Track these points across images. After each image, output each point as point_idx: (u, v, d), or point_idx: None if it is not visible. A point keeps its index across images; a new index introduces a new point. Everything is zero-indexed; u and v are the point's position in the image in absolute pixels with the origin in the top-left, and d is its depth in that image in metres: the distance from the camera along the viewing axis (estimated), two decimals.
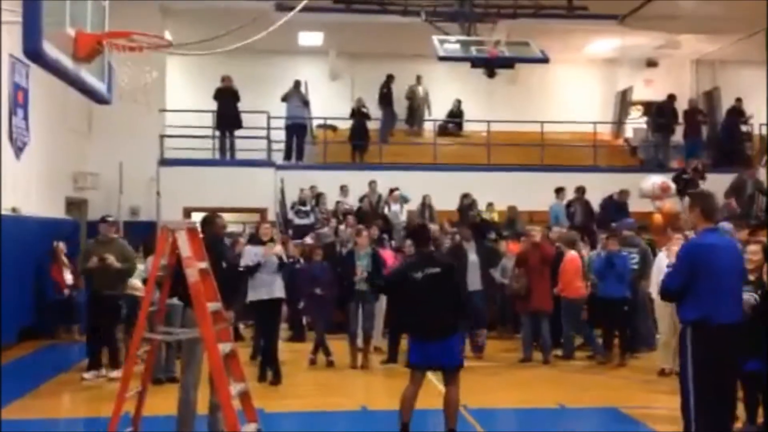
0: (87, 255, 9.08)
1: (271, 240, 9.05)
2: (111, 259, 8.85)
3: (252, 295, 8.75)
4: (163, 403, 6.24)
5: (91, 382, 8.77)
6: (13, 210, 11.02)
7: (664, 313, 9.33)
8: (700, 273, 4.86)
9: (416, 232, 7.22)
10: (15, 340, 10.98)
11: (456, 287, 6.34)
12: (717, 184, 15.67)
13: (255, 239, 9.19)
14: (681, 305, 5.01)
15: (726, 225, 7.95)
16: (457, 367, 6.23)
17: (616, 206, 14.53)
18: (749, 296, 6.06)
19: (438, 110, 19.00)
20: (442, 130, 18.80)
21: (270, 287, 8.75)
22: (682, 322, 5.02)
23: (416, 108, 18.86)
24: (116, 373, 8.79)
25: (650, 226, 13.25)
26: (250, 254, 8.83)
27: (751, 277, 6.28)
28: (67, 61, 5.54)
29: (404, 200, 15.13)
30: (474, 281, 10.46)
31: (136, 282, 9.33)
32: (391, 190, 15.12)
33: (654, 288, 9.50)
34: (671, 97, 18.14)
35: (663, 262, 9.38)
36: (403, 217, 14.80)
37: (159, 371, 8.35)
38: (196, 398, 5.85)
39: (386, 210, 14.92)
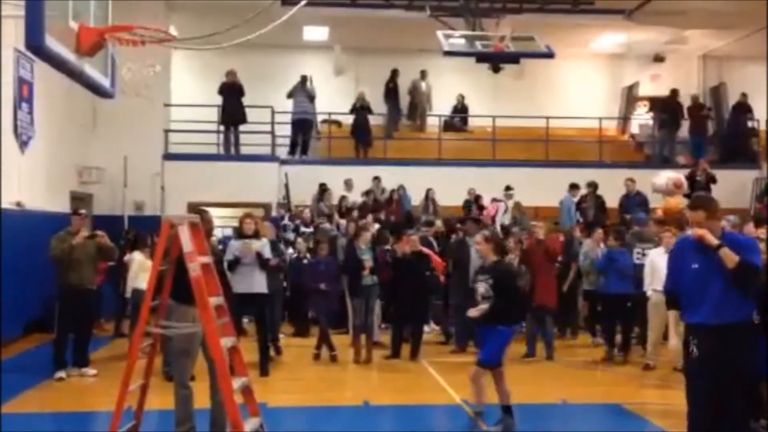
0: (62, 241, 8.66)
1: (255, 235, 9.05)
2: (103, 235, 8.85)
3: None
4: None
5: (88, 379, 8.70)
6: (18, 204, 11.03)
7: (658, 310, 9.29)
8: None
9: None
10: (21, 332, 11.03)
11: None
12: (723, 179, 15.70)
13: (239, 234, 9.17)
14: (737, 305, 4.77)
15: (730, 217, 7.85)
16: None
17: (636, 201, 14.48)
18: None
19: (443, 105, 18.97)
20: (447, 126, 18.78)
21: (249, 282, 8.73)
22: (730, 323, 4.75)
23: (418, 103, 18.83)
24: (87, 371, 8.82)
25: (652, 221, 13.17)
26: (232, 249, 8.86)
27: None
28: (69, 55, 5.54)
29: None
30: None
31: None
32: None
33: (648, 286, 9.43)
34: (674, 92, 18.10)
35: (657, 259, 9.32)
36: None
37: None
38: (192, 393, 5.85)
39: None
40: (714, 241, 4.74)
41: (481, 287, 6.27)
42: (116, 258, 9.54)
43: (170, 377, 8.28)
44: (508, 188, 15.01)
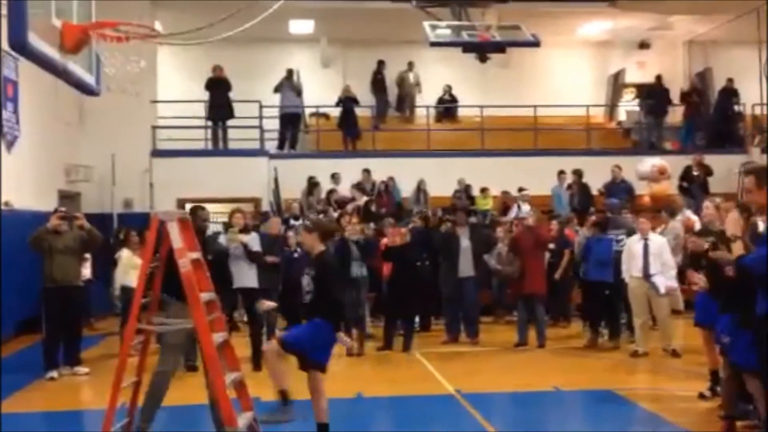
0: (40, 237, 8.67)
1: (244, 229, 9.05)
2: (80, 217, 8.87)
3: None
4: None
5: (80, 378, 8.71)
6: (6, 204, 10.98)
7: (640, 297, 9.32)
8: None
9: None
10: (12, 333, 11.00)
11: None
12: (711, 163, 15.78)
13: (228, 228, 9.20)
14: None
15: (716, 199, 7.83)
16: None
17: (621, 188, 14.53)
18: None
19: (430, 96, 18.96)
20: (441, 115, 18.80)
21: (239, 277, 8.69)
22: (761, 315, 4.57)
23: (406, 95, 18.83)
24: (79, 369, 8.81)
25: (638, 207, 13.23)
26: (221, 243, 8.87)
27: None
28: (54, 53, 5.51)
29: None
30: (466, 268, 10.47)
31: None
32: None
33: (626, 272, 9.43)
34: (659, 78, 18.15)
35: (634, 245, 9.35)
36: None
37: None
38: (167, 388, 5.80)
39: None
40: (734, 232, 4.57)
41: (305, 280, 5.93)
42: (101, 242, 9.26)
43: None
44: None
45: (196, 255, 5.37)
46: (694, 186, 15.15)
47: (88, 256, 10.44)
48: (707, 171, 15.39)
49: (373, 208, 14.35)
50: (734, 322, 5.52)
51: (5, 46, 5.21)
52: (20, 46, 5.07)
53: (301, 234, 6.09)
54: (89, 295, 10.92)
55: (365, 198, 14.40)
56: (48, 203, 12.67)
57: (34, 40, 5.11)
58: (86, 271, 11.13)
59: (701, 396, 6.98)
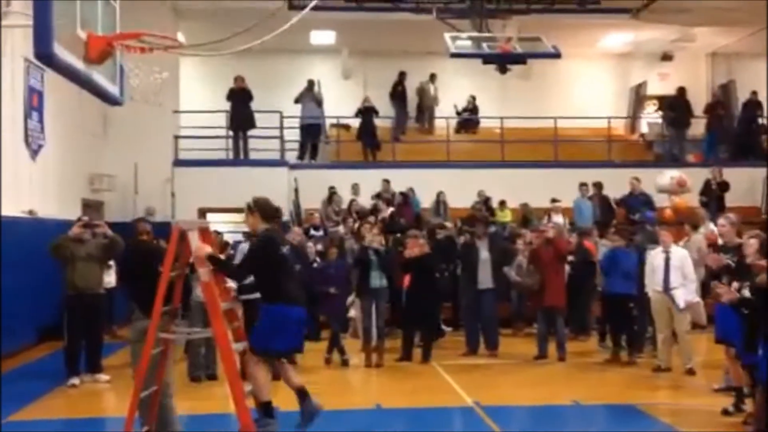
0: (61, 245, 8.77)
1: None
2: (101, 224, 8.97)
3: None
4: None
5: (101, 385, 8.76)
6: (30, 212, 11.11)
7: (662, 311, 9.20)
8: None
9: None
10: (34, 340, 11.10)
11: None
12: (734, 177, 15.63)
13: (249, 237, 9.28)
14: None
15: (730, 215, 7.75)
16: None
17: (640, 200, 14.42)
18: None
19: (449, 107, 18.96)
20: (460, 126, 18.80)
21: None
22: None
23: (426, 106, 18.85)
24: (100, 376, 8.86)
25: (660, 220, 13.12)
26: (240, 252, 8.93)
27: None
28: (78, 63, 5.59)
29: None
30: (485, 279, 10.42)
31: None
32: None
33: (649, 286, 9.33)
34: (681, 90, 18.03)
35: (656, 259, 9.24)
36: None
37: (198, 369, 8.54)
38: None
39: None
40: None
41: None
42: (123, 249, 9.33)
43: (194, 378, 8.42)
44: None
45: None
46: (711, 200, 15.01)
47: (112, 263, 10.51)
48: (722, 186, 15.22)
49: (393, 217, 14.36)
50: (765, 338, 5.47)
51: (31, 55, 5.29)
52: (46, 56, 5.16)
53: (245, 216, 5.66)
54: (112, 302, 11.00)
55: (390, 209, 14.41)
56: (72, 212, 12.79)
57: (60, 50, 5.20)
58: (110, 279, 11.20)
59: (725, 412, 6.88)
